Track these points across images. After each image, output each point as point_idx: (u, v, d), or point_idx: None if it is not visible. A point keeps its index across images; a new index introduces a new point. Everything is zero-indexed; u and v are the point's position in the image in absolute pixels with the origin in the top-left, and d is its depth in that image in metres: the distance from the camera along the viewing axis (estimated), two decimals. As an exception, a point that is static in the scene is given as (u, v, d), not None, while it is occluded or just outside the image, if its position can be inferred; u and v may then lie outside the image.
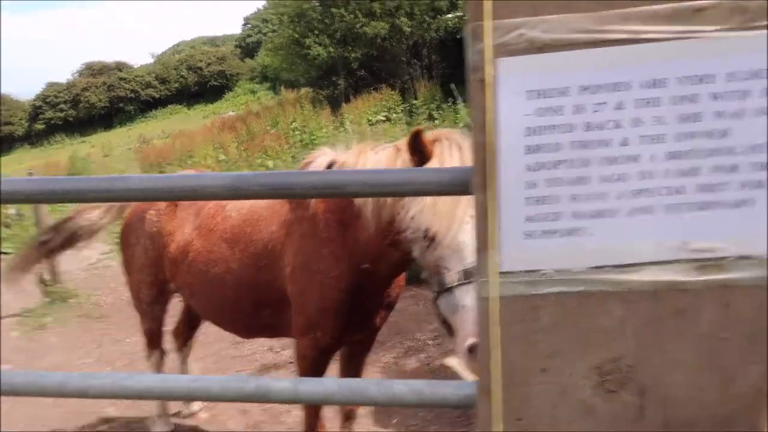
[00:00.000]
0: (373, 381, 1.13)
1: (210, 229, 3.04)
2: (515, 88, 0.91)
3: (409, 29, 21.19)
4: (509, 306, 1.01)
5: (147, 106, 52.07)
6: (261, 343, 5.41)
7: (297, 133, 17.97)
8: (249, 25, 58.54)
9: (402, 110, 18.86)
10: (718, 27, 0.87)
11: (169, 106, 52.20)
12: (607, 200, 0.95)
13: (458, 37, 22.81)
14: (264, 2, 54.11)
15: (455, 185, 1.00)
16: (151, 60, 64.10)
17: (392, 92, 20.50)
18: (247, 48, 55.82)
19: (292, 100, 24.02)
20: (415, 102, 19.12)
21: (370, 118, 18.25)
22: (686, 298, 0.99)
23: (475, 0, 0.89)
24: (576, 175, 0.94)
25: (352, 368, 3.18)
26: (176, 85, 52.92)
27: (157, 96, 52.34)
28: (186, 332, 4.07)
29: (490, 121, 0.92)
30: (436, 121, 15.99)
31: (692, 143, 0.92)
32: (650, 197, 0.94)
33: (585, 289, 0.99)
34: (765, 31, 0.86)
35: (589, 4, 0.88)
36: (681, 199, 0.94)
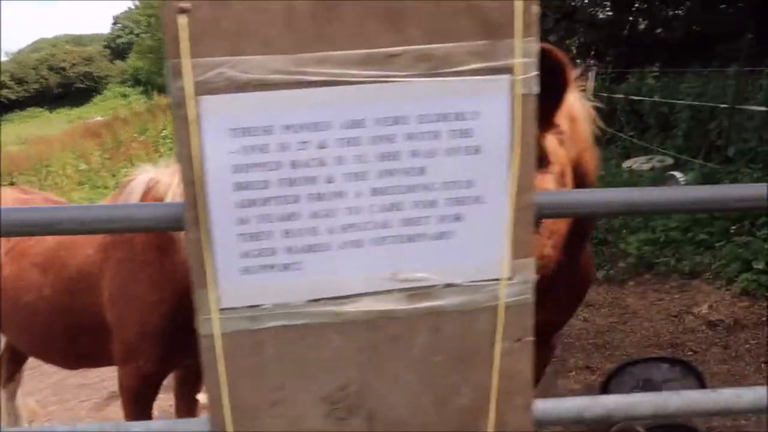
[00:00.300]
0: (106, 424, 1.08)
1: (21, 252, 2.82)
2: (219, 125, 0.91)
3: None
4: (233, 342, 1.01)
5: (2, 108, 47.43)
6: (111, 369, 5.09)
7: (168, 141, 17.22)
8: (119, 25, 55.22)
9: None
10: (409, 72, 0.92)
11: (28, 108, 47.89)
12: (318, 235, 0.97)
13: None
14: (136, 1, 51.38)
15: (169, 221, 0.99)
16: (4, 58, 58.36)
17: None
18: (117, 49, 52.60)
19: (164, 106, 22.93)
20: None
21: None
22: (400, 325, 1.04)
23: (173, 36, 0.88)
24: (287, 212, 0.96)
25: (186, 392, 3.07)
26: (36, 86, 48.67)
27: (14, 97, 47.80)
28: (9, 366, 3.74)
29: (196, 157, 0.91)
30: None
31: (393, 180, 0.97)
32: (359, 231, 0.98)
33: (305, 321, 1.01)
34: (449, 78, 0.93)
35: (286, 46, 0.90)
36: (387, 233, 0.99)
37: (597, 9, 19.63)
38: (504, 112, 0.96)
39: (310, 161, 0.94)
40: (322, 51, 0.91)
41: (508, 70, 0.94)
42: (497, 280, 1.04)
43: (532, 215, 1.02)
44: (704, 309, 5.34)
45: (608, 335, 5.16)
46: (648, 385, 3.49)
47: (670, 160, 8.89)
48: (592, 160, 2.01)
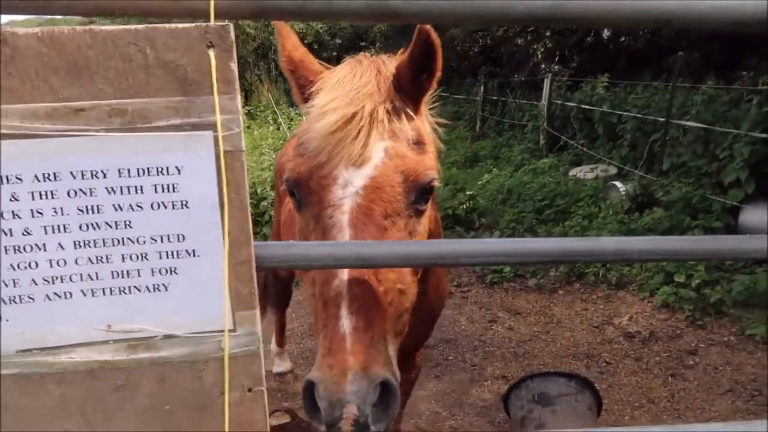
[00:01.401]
0: None
1: None
2: None
3: (253, 31, 20.89)
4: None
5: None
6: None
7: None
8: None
9: (245, 113, 18.46)
10: (102, 127, 0.91)
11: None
12: (21, 287, 0.96)
13: (305, 41, 22.94)
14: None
15: None
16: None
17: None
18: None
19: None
20: (259, 104, 18.88)
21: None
22: (122, 375, 1.03)
23: None
24: (-15, 263, 0.94)
25: None
26: None
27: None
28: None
29: None
30: (280, 125, 15.95)
31: (98, 233, 0.96)
32: (66, 283, 0.97)
33: (20, 371, 1.00)
34: (147, 133, 0.92)
35: (-29, 97, 0.88)
36: (98, 285, 0.98)
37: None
38: (209, 168, 0.95)
39: (3, 213, 0.92)
40: (6, 104, 0.89)
41: (210, 126, 0.94)
42: (221, 332, 1.03)
43: (251, 269, 1.02)
44: (624, 320, 5.44)
45: (529, 344, 5.23)
46: (543, 399, 3.55)
47: (614, 170, 9.04)
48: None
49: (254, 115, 17.92)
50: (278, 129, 15.99)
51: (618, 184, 8.07)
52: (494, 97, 15.25)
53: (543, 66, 18.51)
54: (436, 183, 1.55)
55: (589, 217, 7.38)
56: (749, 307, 5.27)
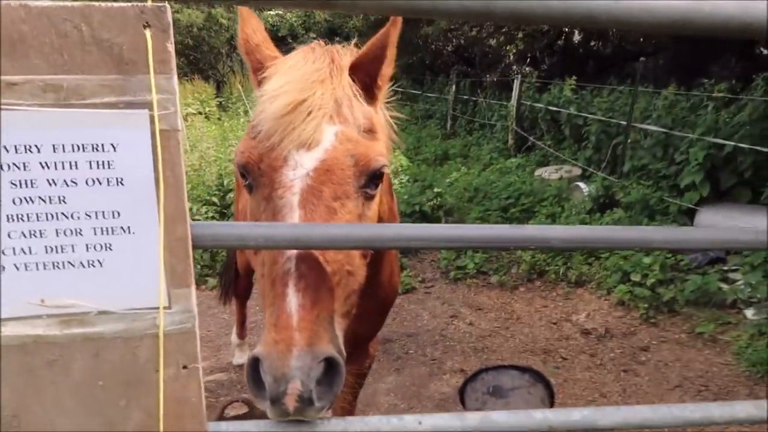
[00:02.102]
0: None
1: None
2: None
3: (226, 21, 20.66)
4: None
5: None
6: None
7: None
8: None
9: (216, 104, 18.26)
10: (35, 102, 0.92)
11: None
12: (-49, 259, 0.96)
13: (279, 34, 22.77)
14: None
15: None
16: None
17: (206, 85, 19.77)
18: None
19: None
20: (231, 96, 18.68)
21: (182, 110, 17.42)
22: (55, 350, 1.04)
23: None
24: None
25: None
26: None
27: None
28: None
29: None
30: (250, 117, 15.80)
31: (32, 208, 0.96)
32: (-2, 257, 0.97)
33: (-50, 344, 1.00)
34: (82, 110, 0.93)
35: None
36: (32, 259, 0.99)
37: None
38: (145, 146, 0.97)
39: (-65, 185, 0.93)
40: (-55, 74, 0.89)
41: (145, 105, 0.95)
42: (155, 308, 1.05)
43: (187, 247, 1.04)
44: (582, 317, 5.57)
45: (489, 339, 5.32)
46: (497, 391, 3.63)
47: (578, 171, 9.23)
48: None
49: (226, 107, 17.73)
50: (249, 121, 15.86)
51: (581, 184, 8.25)
52: (465, 96, 15.39)
53: (514, 67, 18.73)
54: (387, 169, 1.59)
55: (552, 216, 7.53)
56: (700, 306, 5.45)
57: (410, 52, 19.83)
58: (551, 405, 3.81)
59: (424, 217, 7.97)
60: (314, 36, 23.49)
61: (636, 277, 5.74)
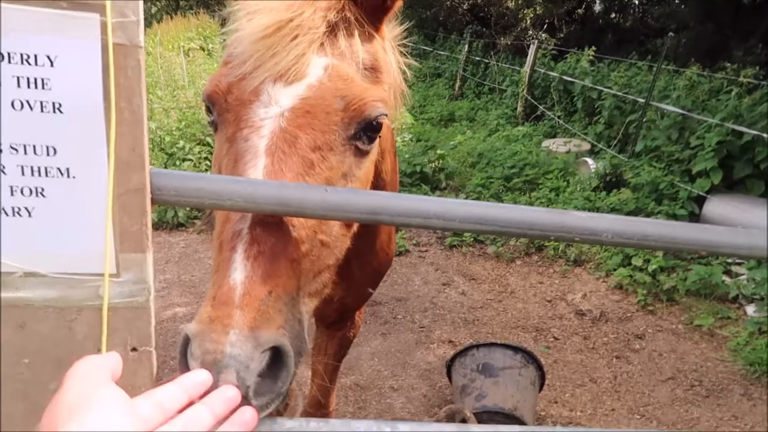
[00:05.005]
0: None
1: None
2: None
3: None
4: None
5: None
6: None
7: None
8: None
9: (220, 42, 17.69)
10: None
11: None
12: None
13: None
14: None
15: None
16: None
17: (212, 20, 19.10)
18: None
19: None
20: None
21: (184, 44, 16.84)
22: (-31, 317, 0.82)
23: None
24: None
25: None
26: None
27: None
28: None
29: None
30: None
31: (-63, 132, 0.72)
32: None
33: None
34: (6, 4, 0.68)
35: None
36: (-63, 200, 0.75)
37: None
38: (92, 63, 0.72)
39: None
40: None
41: (97, 8, 0.70)
42: (99, 275, 0.82)
43: (145, 201, 0.80)
44: (578, 297, 5.42)
45: (480, 311, 5.16)
46: (487, 369, 3.48)
47: (587, 146, 8.95)
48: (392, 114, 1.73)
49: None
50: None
51: (589, 160, 7.98)
52: (477, 58, 14.90)
53: (530, 32, 18.16)
54: (386, 120, 1.28)
55: (556, 190, 7.29)
56: (700, 297, 5.30)
57: (425, 6, 19.17)
58: (541, 388, 3.67)
59: (424, 179, 7.72)
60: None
61: (638, 262, 5.56)
